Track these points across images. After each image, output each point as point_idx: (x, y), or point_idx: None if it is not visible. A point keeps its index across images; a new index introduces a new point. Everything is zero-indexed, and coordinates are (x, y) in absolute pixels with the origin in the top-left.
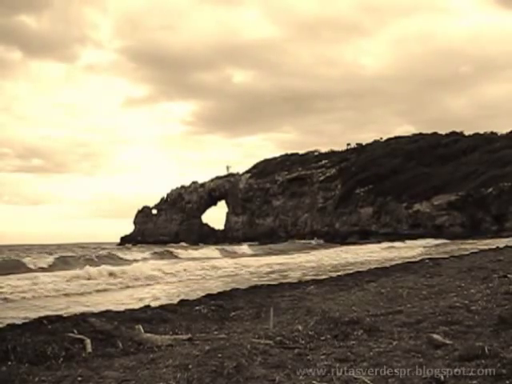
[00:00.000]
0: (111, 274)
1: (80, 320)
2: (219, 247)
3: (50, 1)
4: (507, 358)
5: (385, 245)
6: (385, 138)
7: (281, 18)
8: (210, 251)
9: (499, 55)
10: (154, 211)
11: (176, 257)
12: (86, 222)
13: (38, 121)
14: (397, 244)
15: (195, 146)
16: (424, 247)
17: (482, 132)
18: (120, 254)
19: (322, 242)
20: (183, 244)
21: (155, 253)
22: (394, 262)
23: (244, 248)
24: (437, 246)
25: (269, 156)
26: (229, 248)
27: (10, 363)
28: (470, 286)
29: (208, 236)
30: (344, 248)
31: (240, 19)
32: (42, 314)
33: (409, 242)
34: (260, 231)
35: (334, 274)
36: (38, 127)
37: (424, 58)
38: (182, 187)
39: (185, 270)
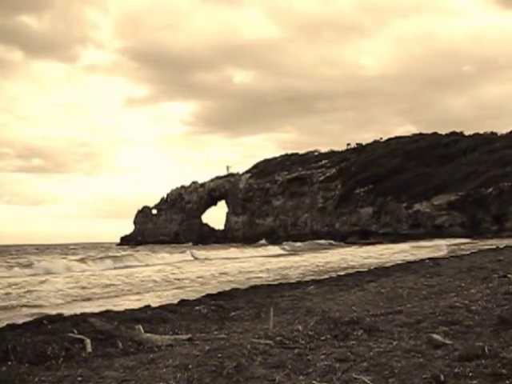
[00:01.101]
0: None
1: (80, 320)
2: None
3: (51, 1)
4: (507, 358)
5: (412, 244)
6: (385, 138)
7: (281, 18)
8: (249, 251)
9: (500, 55)
10: (154, 211)
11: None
12: (86, 221)
13: (39, 121)
14: (421, 243)
15: (195, 146)
16: (448, 246)
17: (481, 132)
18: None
19: (332, 242)
20: (189, 244)
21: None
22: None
23: (274, 248)
24: (461, 244)
25: (269, 156)
26: (259, 248)
27: (10, 363)
28: (470, 286)
29: (208, 236)
30: (383, 247)
31: (241, 19)
32: None
33: (431, 242)
34: (260, 231)
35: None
36: (38, 127)
37: (425, 58)
38: (182, 187)
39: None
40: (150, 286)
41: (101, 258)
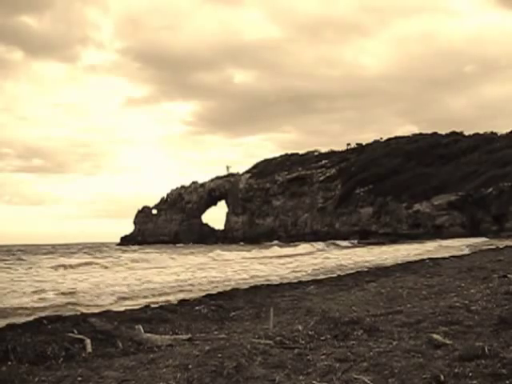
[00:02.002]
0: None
1: (80, 320)
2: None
3: (52, 1)
4: (507, 357)
5: (436, 243)
6: (385, 138)
7: (282, 18)
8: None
9: (500, 56)
10: (154, 211)
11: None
12: (86, 221)
13: (39, 121)
14: (445, 243)
15: (195, 146)
16: (468, 246)
17: (482, 132)
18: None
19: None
20: (189, 244)
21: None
22: None
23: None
24: (482, 243)
25: (269, 156)
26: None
27: (10, 363)
28: (470, 286)
29: (208, 236)
30: (414, 246)
31: (241, 19)
32: None
33: (451, 241)
34: (260, 231)
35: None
36: (38, 127)
37: (425, 58)
38: (182, 187)
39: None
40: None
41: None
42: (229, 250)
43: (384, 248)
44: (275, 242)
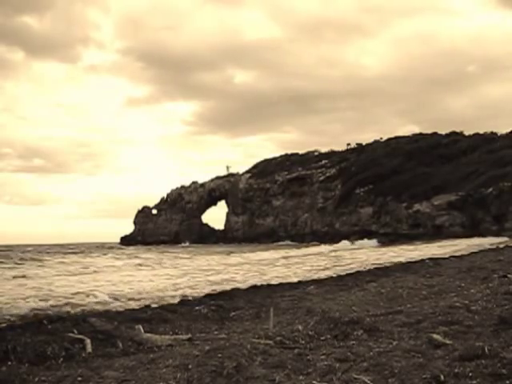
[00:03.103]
0: None
1: (80, 320)
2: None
3: (53, 1)
4: (507, 358)
5: (464, 242)
6: (385, 138)
7: (283, 18)
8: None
9: (501, 56)
10: (154, 211)
11: None
12: (87, 221)
13: (39, 121)
14: (468, 242)
15: (196, 145)
16: (491, 245)
17: (482, 132)
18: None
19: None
20: (186, 243)
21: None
22: None
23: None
24: (505, 242)
25: (269, 156)
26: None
27: (10, 363)
28: (470, 286)
29: (208, 236)
30: (446, 243)
31: (242, 19)
32: None
33: (471, 240)
34: (260, 231)
35: None
36: (39, 127)
37: (426, 59)
38: (182, 187)
39: None
40: None
41: None
42: (245, 250)
43: (411, 247)
44: (286, 241)
